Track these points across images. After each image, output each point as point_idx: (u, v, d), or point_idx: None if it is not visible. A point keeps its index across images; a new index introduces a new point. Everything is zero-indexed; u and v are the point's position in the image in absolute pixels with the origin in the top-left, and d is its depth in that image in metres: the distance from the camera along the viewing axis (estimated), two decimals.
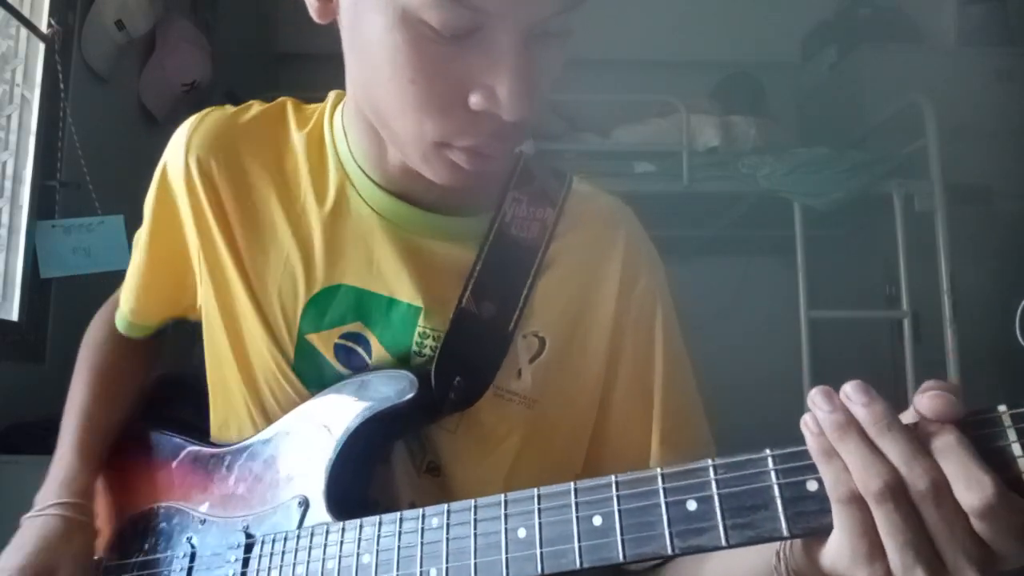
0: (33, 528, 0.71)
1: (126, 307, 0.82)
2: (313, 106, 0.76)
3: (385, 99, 0.57)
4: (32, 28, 1.79)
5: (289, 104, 0.76)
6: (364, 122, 0.66)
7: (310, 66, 3.66)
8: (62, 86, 1.84)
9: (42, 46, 1.83)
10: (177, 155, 0.72)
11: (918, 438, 0.39)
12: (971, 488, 0.36)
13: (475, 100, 0.54)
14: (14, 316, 1.75)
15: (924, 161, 2.47)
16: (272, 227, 0.71)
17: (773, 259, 3.40)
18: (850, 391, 0.41)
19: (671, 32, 3.63)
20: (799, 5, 3.57)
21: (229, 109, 0.75)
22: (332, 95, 0.75)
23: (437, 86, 0.54)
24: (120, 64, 2.14)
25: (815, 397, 0.42)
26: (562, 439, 0.71)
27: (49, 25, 1.83)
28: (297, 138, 0.73)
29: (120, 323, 0.84)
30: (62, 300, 1.85)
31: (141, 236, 0.78)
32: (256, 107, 0.76)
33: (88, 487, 0.76)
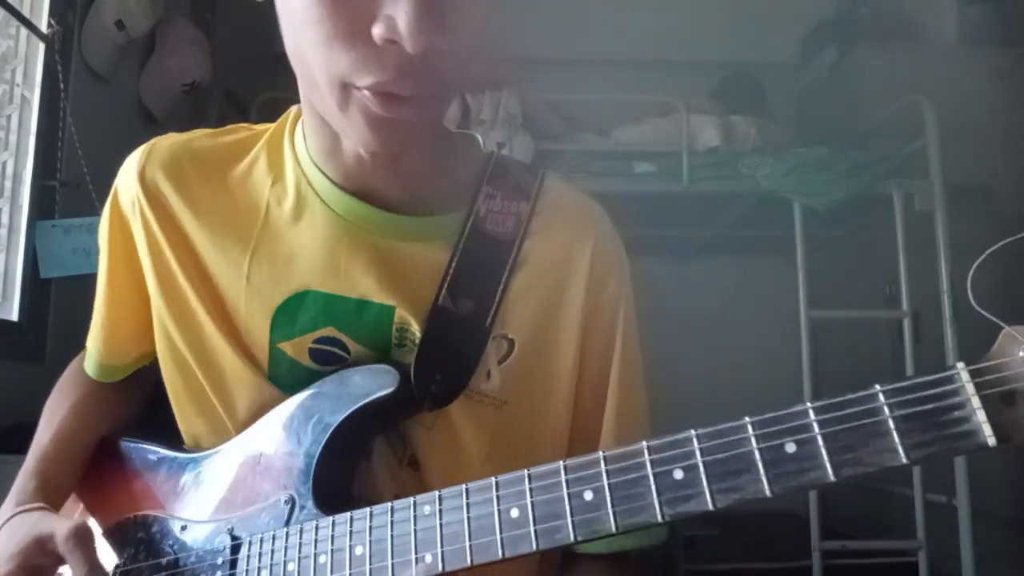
0: (5, 532, 0.69)
1: (94, 347, 0.80)
2: (265, 125, 0.77)
3: (305, 52, 0.57)
4: (32, 28, 1.79)
5: (242, 126, 0.77)
6: (313, 114, 0.66)
7: None
8: (62, 86, 1.84)
9: (42, 46, 1.83)
10: (128, 180, 0.72)
11: None
12: None
13: (377, 31, 0.53)
14: (14, 316, 1.75)
15: (924, 161, 2.47)
16: (231, 242, 0.70)
17: (773, 259, 3.41)
18: None
19: (671, 32, 3.63)
20: (799, 5, 3.58)
21: (180, 135, 0.76)
22: (294, 108, 0.75)
23: (341, 21, 0.54)
24: (120, 64, 2.14)
25: None
26: (532, 440, 0.71)
27: (49, 25, 1.83)
28: (252, 154, 0.74)
29: (91, 367, 0.81)
30: (62, 300, 1.85)
31: (100, 271, 0.77)
32: (207, 131, 0.76)
33: (41, 495, 0.73)
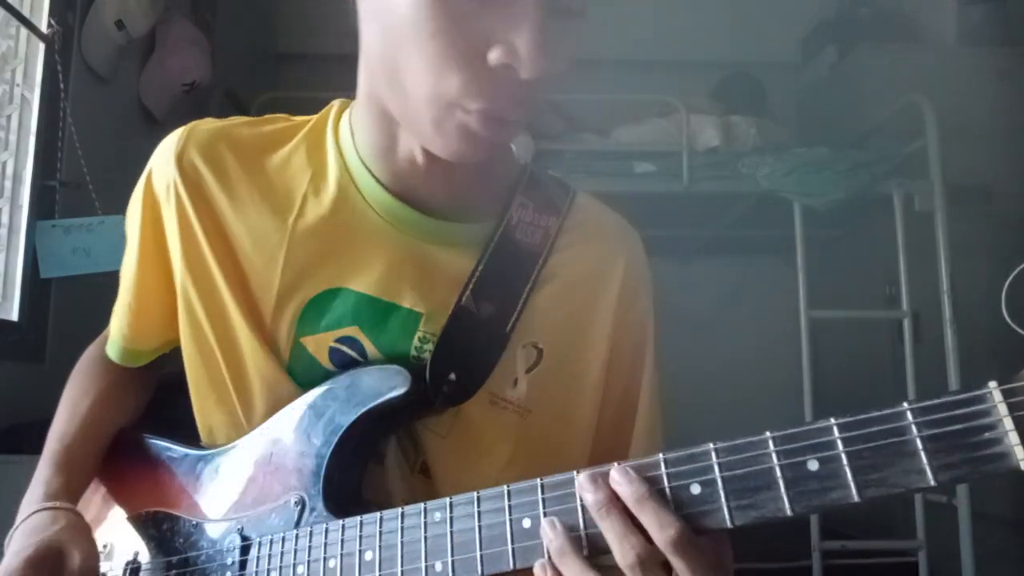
0: (21, 534, 0.68)
1: (119, 332, 0.79)
2: (304, 117, 0.76)
3: (403, 62, 0.57)
4: (32, 28, 1.79)
5: (280, 116, 0.77)
6: (375, 112, 0.66)
7: (310, 66, 3.67)
8: (62, 86, 1.84)
9: (42, 46, 1.83)
10: (164, 162, 0.72)
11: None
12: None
13: (495, 55, 0.54)
14: (14, 316, 1.75)
15: (924, 161, 2.47)
16: (267, 231, 0.70)
17: (773, 259, 3.41)
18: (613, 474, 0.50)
19: (671, 32, 3.63)
20: (799, 5, 3.57)
21: (218, 121, 0.75)
22: (336, 103, 0.75)
23: (458, 41, 0.54)
24: (120, 64, 2.14)
25: (582, 482, 0.51)
26: (553, 450, 0.71)
27: (49, 25, 1.83)
28: (291, 144, 0.73)
29: (114, 351, 0.80)
30: (62, 300, 1.85)
31: (128, 253, 0.77)
32: (245, 119, 0.76)
33: (64, 493, 0.73)
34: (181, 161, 0.71)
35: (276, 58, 3.72)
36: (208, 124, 0.74)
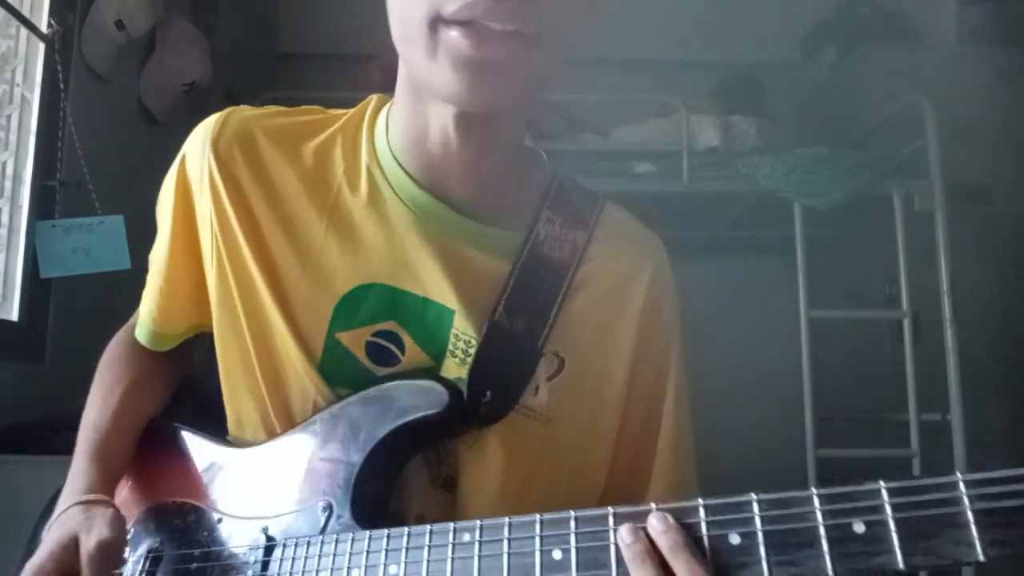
0: (56, 527, 0.69)
1: (148, 315, 0.79)
2: (338, 110, 0.76)
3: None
4: (32, 28, 1.79)
5: (315, 108, 0.77)
6: (410, 91, 0.66)
7: (310, 66, 3.67)
8: (62, 86, 1.84)
9: (42, 46, 1.83)
10: (198, 147, 0.72)
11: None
12: None
13: None
14: (14, 316, 1.75)
15: (924, 161, 2.47)
16: (301, 223, 0.70)
17: (773, 259, 3.40)
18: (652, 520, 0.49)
19: (671, 32, 3.63)
20: (799, 5, 3.57)
21: (256, 109, 0.75)
22: (374, 97, 0.75)
23: None
24: (120, 64, 2.14)
25: (622, 532, 0.49)
26: (575, 459, 0.71)
27: (49, 25, 1.83)
28: (326, 135, 0.73)
29: (143, 334, 0.80)
30: (62, 300, 1.85)
31: (159, 237, 0.77)
32: (281, 109, 0.76)
33: (101, 485, 0.73)
34: (217, 147, 0.71)
35: (276, 58, 3.71)
36: (245, 111, 0.74)
